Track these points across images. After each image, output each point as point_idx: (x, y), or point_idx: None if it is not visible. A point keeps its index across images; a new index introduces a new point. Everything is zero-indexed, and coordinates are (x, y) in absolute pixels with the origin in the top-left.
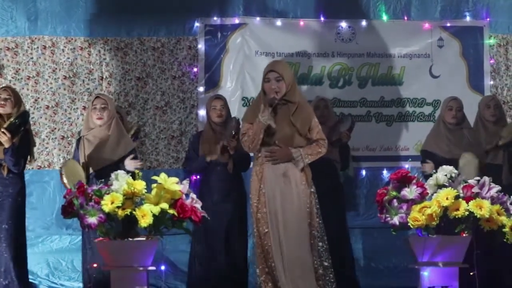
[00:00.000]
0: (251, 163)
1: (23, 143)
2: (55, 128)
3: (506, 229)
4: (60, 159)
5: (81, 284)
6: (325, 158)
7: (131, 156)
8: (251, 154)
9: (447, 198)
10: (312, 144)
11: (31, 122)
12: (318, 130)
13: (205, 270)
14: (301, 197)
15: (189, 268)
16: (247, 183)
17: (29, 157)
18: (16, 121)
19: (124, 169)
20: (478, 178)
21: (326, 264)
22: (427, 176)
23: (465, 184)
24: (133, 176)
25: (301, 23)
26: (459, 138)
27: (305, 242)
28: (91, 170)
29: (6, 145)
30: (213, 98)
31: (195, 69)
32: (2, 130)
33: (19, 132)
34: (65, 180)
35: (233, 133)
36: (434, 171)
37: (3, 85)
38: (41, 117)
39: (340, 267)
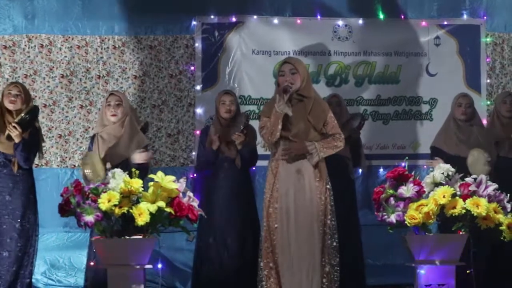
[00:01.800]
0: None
1: (33, 139)
2: (52, 127)
3: (503, 227)
4: (57, 158)
5: (78, 281)
6: (336, 155)
7: (140, 150)
8: (263, 152)
9: (444, 196)
10: (328, 138)
11: None
12: (333, 124)
13: (212, 268)
14: (314, 194)
15: (194, 266)
16: (254, 180)
17: (38, 153)
18: (27, 116)
19: (132, 165)
20: (475, 176)
21: (333, 262)
22: None
23: (462, 182)
24: (145, 169)
25: (298, 21)
26: (468, 135)
27: (315, 240)
28: (108, 166)
29: (17, 140)
30: (222, 93)
31: (192, 68)
32: (13, 124)
33: (29, 128)
34: (87, 171)
35: (242, 128)
36: None
37: (13, 80)
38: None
39: (350, 265)
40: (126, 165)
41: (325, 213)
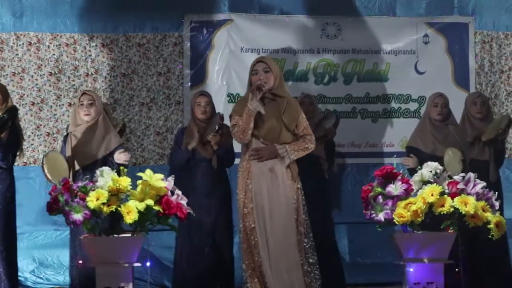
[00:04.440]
0: (236, 159)
1: (12, 138)
2: (41, 125)
3: (491, 226)
4: None
5: (67, 279)
6: (310, 155)
7: (121, 150)
8: (236, 150)
9: (432, 195)
10: (299, 140)
11: None
12: (305, 125)
13: (190, 266)
14: (287, 192)
15: (174, 264)
16: (232, 179)
17: (18, 152)
18: (4, 115)
19: (111, 164)
20: (463, 174)
21: (311, 260)
22: (410, 171)
23: (450, 180)
24: (118, 171)
25: (287, 19)
26: (444, 134)
27: (291, 237)
28: (77, 166)
29: None
30: (197, 95)
31: (180, 66)
32: None
33: (7, 127)
34: (46, 171)
35: (217, 128)
36: (419, 167)
37: None
38: (26, 114)
39: (326, 263)
40: (99, 165)
41: (298, 212)
